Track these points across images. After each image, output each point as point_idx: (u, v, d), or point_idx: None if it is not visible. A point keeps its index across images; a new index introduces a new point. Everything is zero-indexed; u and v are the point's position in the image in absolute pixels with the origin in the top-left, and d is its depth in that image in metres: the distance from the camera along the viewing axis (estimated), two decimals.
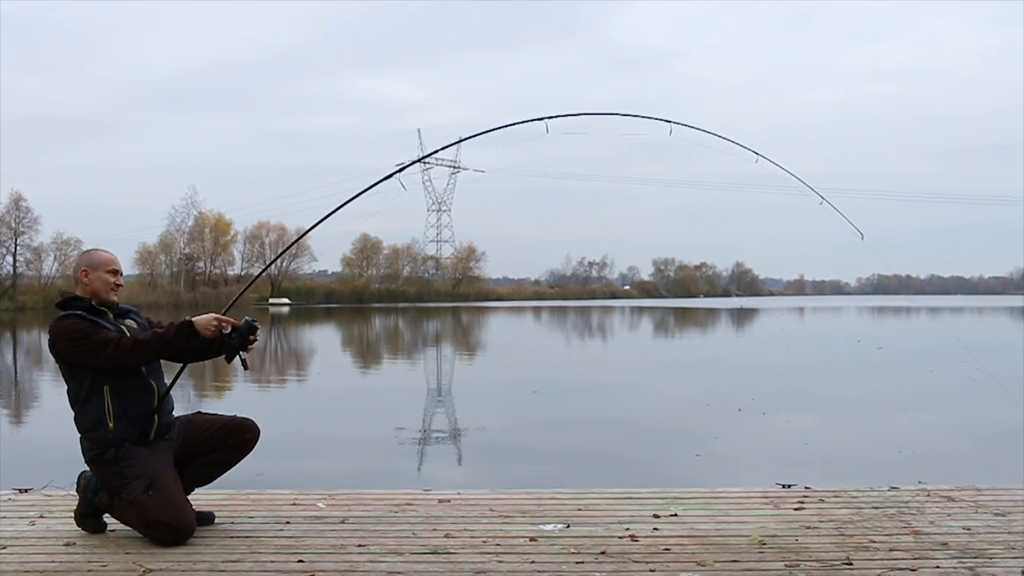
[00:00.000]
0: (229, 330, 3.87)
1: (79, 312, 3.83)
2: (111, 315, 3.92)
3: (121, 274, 4.02)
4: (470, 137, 4.68)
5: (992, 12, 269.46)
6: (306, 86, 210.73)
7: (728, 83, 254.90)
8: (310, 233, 4.63)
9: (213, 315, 3.86)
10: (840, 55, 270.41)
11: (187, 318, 3.83)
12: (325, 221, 4.36)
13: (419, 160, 5.10)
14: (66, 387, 3.87)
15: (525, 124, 4.52)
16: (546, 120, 4.51)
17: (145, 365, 3.87)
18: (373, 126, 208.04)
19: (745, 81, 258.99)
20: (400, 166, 4.38)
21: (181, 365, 4.12)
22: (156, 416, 3.88)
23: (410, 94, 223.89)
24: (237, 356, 3.89)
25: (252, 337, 3.89)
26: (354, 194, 4.31)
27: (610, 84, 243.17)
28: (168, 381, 4.04)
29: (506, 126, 4.58)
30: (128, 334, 3.85)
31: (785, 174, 4.77)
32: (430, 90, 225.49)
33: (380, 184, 4.27)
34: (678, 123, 4.67)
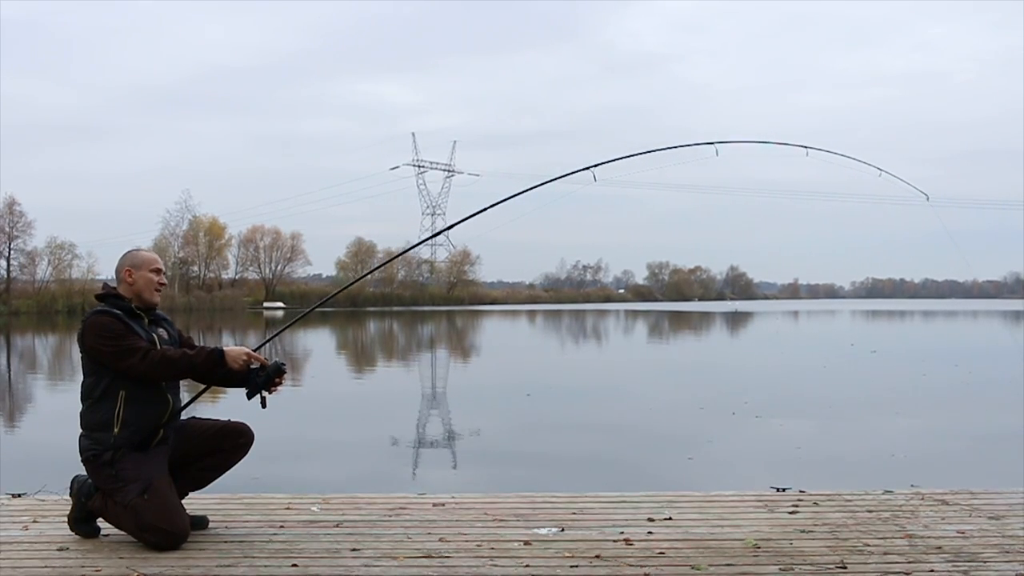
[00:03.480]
0: (257, 367, 3.89)
1: (116, 312, 3.82)
2: (146, 320, 3.92)
3: (165, 273, 4.03)
4: (522, 192, 4.53)
5: (990, 17, 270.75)
6: (302, 91, 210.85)
7: (725, 88, 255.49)
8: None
9: (245, 350, 3.88)
10: (837, 60, 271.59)
11: (219, 347, 3.85)
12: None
13: (446, 229, 4.99)
14: (82, 379, 3.86)
15: (572, 175, 4.47)
16: (592, 169, 4.48)
17: (166, 382, 3.87)
18: (369, 130, 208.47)
19: (742, 86, 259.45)
20: (443, 227, 4.35)
21: (201, 386, 4.11)
22: (162, 429, 3.87)
23: (406, 98, 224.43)
24: (259, 395, 3.90)
25: (278, 380, 3.92)
26: (399, 252, 4.36)
27: (607, 89, 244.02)
28: (184, 397, 4.05)
29: (553, 180, 4.51)
30: (159, 345, 3.85)
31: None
32: (426, 94, 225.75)
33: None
34: (722, 142, 4.64)
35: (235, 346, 3.92)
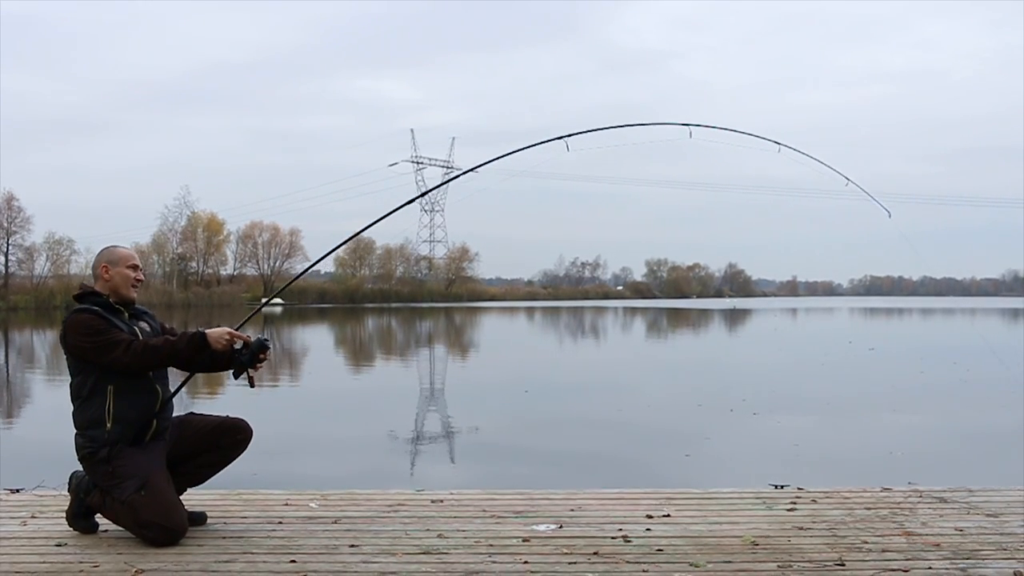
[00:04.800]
0: (240, 346, 3.87)
1: (95, 308, 3.82)
2: (126, 315, 3.92)
3: (141, 269, 4.03)
4: (493, 160, 4.57)
5: (989, 15, 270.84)
6: (302, 87, 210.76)
7: (725, 85, 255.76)
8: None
9: (226, 329, 3.87)
10: (837, 57, 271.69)
11: (200, 329, 3.84)
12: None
13: (440, 185, 5.05)
14: (70, 380, 3.86)
15: (546, 144, 4.49)
16: (566, 139, 4.50)
17: (152, 371, 3.86)
18: (368, 126, 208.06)
19: (742, 83, 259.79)
20: (422, 192, 4.39)
21: (188, 374, 4.11)
22: (155, 421, 3.87)
23: (405, 94, 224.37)
24: (245, 373, 3.89)
25: (262, 356, 3.90)
26: (382, 215, 4.40)
27: (607, 86, 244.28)
28: (172, 387, 4.03)
29: (527, 147, 4.53)
30: (140, 337, 3.84)
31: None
32: (425, 91, 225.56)
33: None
34: (697, 125, 4.66)
35: (216, 327, 3.91)
